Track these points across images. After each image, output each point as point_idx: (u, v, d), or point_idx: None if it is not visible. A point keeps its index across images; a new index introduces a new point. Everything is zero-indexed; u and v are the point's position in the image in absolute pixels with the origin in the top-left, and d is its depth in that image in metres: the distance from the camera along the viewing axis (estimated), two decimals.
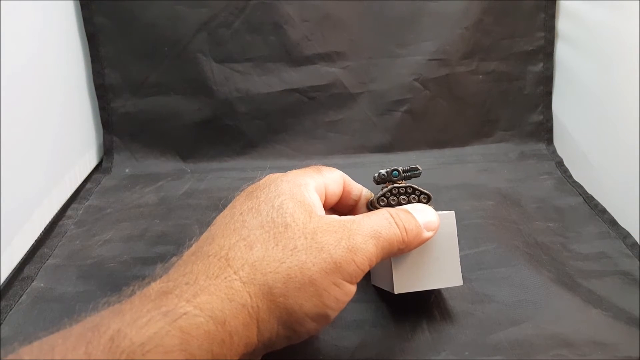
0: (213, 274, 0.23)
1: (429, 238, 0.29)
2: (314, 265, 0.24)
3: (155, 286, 0.22)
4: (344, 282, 0.25)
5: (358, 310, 0.34)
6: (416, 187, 0.32)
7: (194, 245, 0.26)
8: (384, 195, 0.32)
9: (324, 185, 0.30)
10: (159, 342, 0.19)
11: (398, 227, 0.27)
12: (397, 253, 0.28)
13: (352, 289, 0.26)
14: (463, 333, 0.32)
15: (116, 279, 0.39)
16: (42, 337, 0.20)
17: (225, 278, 0.23)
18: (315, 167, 0.31)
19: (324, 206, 0.30)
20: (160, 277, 0.24)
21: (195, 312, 0.21)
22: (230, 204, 0.28)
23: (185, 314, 0.20)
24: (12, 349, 0.20)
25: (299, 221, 0.25)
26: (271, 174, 0.29)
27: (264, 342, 0.23)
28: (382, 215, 0.28)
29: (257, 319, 0.23)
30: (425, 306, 0.34)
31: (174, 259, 0.26)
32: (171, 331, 0.20)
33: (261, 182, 0.29)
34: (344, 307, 0.25)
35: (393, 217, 0.28)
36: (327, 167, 0.32)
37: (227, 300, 0.22)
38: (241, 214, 0.26)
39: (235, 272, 0.23)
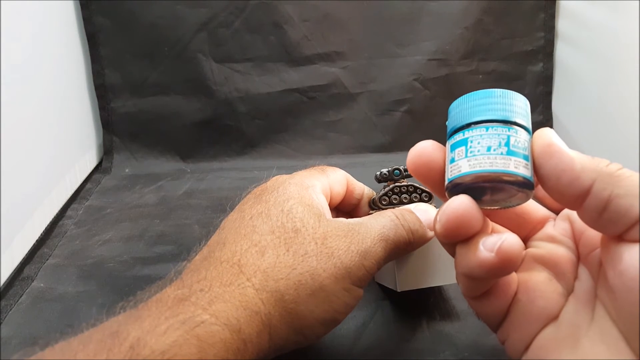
0: (227, 281, 0.23)
1: (433, 237, 0.29)
2: (324, 271, 0.24)
3: (171, 292, 0.22)
4: (354, 287, 0.25)
5: (358, 310, 0.34)
6: (417, 185, 0.32)
7: (204, 249, 0.26)
8: (385, 194, 0.32)
9: (329, 186, 0.30)
10: (178, 351, 0.19)
11: (404, 229, 0.27)
12: (402, 254, 0.28)
13: (361, 292, 0.26)
14: (463, 333, 0.32)
15: (116, 279, 0.39)
16: (43, 337, 0.20)
17: (239, 285, 0.23)
18: (320, 167, 0.31)
19: (329, 206, 0.30)
20: (173, 281, 0.24)
21: (211, 321, 0.21)
22: (238, 207, 0.28)
23: (202, 322, 0.20)
24: (33, 351, 0.20)
25: (308, 226, 0.25)
26: (278, 176, 0.29)
27: (275, 347, 0.23)
28: (389, 217, 0.28)
29: (269, 325, 0.23)
30: (425, 306, 0.34)
31: (185, 262, 0.26)
32: (189, 339, 0.20)
33: (268, 184, 0.28)
34: (352, 310, 0.26)
35: (399, 219, 0.28)
36: (331, 168, 0.32)
37: (241, 308, 0.22)
38: (251, 218, 0.26)
39: (248, 279, 0.23)
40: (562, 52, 0.59)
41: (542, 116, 0.61)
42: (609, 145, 0.49)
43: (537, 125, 0.61)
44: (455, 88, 0.61)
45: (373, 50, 0.60)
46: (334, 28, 0.59)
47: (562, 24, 0.59)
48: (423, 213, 0.29)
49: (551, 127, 0.61)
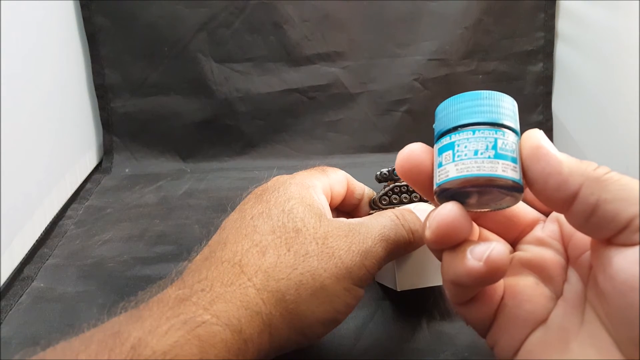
0: (228, 281, 0.23)
1: None
2: (325, 271, 0.24)
3: (172, 292, 0.22)
4: (355, 287, 0.25)
5: (358, 310, 0.34)
6: None
7: (205, 250, 0.26)
8: (385, 194, 0.32)
9: (329, 186, 0.30)
10: (179, 352, 0.19)
11: (404, 229, 0.27)
12: (402, 254, 0.29)
13: (362, 292, 0.26)
14: (463, 333, 0.32)
15: (116, 279, 0.39)
16: (44, 337, 0.20)
17: (240, 285, 0.23)
18: (320, 167, 0.31)
19: (330, 206, 0.30)
20: (174, 281, 0.24)
21: (212, 321, 0.21)
22: (239, 207, 0.28)
23: (203, 322, 0.21)
24: (34, 351, 0.20)
25: (309, 226, 0.25)
26: (279, 176, 0.29)
27: (275, 347, 0.23)
28: (389, 217, 0.28)
29: (270, 325, 0.23)
30: (425, 306, 0.34)
31: (186, 262, 0.26)
32: (190, 340, 0.20)
33: (269, 184, 0.28)
34: (352, 310, 0.26)
35: (399, 219, 0.28)
36: (331, 168, 0.32)
37: (242, 308, 0.22)
38: (252, 218, 0.26)
39: (249, 279, 0.23)
40: (562, 52, 0.59)
41: (542, 116, 0.61)
42: (609, 145, 0.49)
43: (537, 125, 0.61)
44: (455, 88, 0.61)
45: (373, 50, 0.60)
46: (334, 28, 0.59)
47: (562, 24, 0.59)
48: (423, 213, 0.29)
49: (551, 127, 0.61)
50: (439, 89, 0.61)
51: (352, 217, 0.32)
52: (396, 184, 0.32)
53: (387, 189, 0.32)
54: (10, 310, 0.36)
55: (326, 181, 0.30)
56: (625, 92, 0.46)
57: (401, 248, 0.27)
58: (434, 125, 0.23)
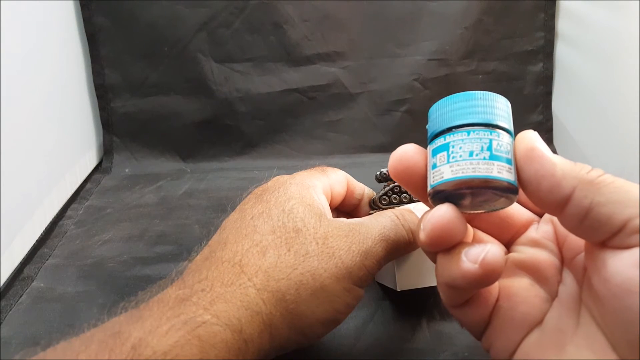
0: (228, 281, 0.23)
1: None
2: (325, 271, 0.24)
3: (172, 292, 0.22)
4: (355, 287, 0.25)
5: (358, 310, 0.34)
6: None
7: (205, 250, 0.26)
8: (385, 194, 0.32)
9: (329, 186, 0.30)
10: (180, 352, 0.19)
11: (404, 229, 0.27)
12: (402, 254, 0.29)
13: (362, 292, 0.26)
14: (463, 333, 0.32)
15: (116, 279, 0.39)
16: (44, 337, 0.20)
17: (240, 285, 0.23)
18: (320, 168, 0.31)
19: (330, 206, 0.30)
20: (174, 281, 0.24)
21: (213, 321, 0.21)
22: (239, 207, 0.28)
23: (204, 322, 0.21)
24: (35, 351, 0.20)
25: (309, 226, 0.25)
26: (279, 176, 0.29)
27: (276, 347, 0.23)
28: (389, 217, 0.28)
29: (271, 325, 0.23)
30: (425, 306, 0.34)
31: (186, 262, 0.26)
32: (191, 340, 0.20)
33: (269, 184, 0.29)
34: (352, 310, 0.26)
35: (399, 219, 0.28)
36: (331, 168, 0.32)
37: (242, 308, 0.22)
38: (252, 218, 0.26)
39: (249, 279, 0.23)
40: (562, 52, 0.59)
41: (542, 116, 0.61)
42: (609, 145, 0.49)
43: (536, 125, 0.61)
44: (455, 88, 0.61)
45: (373, 50, 0.60)
46: (334, 28, 0.59)
47: (562, 24, 0.59)
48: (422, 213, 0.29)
49: (551, 127, 0.61)
50: (439, 89, 0.61)
51: (352, 217, 0.32)
52: (396, 184, 0.32)
53: (387, 189, 0.32)
54: (10, 310, 0.36)
55: (326, 181, 0.30)
56: (625, 92, 0.46)
57: (401, 248, 0.27)
58: (427, 126, 0.23)
